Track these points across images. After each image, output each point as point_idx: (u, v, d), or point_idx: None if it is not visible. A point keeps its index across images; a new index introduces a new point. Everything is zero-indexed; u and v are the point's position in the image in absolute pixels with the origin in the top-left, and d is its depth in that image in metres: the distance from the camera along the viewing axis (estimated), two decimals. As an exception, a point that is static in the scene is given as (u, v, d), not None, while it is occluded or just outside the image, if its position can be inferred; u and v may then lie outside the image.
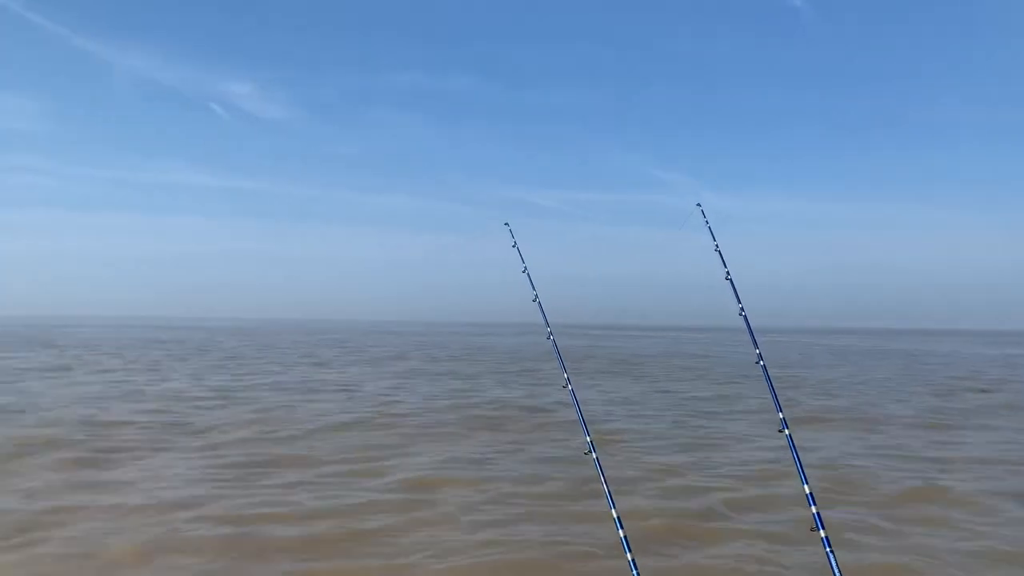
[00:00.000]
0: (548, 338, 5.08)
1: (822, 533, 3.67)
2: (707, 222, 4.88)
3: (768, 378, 4.36)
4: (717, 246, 4.76)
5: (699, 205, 5.01)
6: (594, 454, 4.59)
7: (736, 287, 4.56)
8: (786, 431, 3.97)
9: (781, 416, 4.05)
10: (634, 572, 4.02)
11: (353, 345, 50.27)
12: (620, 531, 4.17)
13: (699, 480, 9.72)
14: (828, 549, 3.62)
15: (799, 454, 4.00)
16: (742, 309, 4.52)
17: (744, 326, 4.58)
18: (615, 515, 4.23)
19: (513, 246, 5.33)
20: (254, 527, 7.34)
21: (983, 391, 22.64)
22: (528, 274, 5.22)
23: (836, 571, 3.57)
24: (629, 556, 4.05)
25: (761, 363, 4.34)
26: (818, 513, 3.71)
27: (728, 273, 4.61)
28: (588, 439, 4.64)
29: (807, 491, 3.80)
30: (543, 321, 5.15)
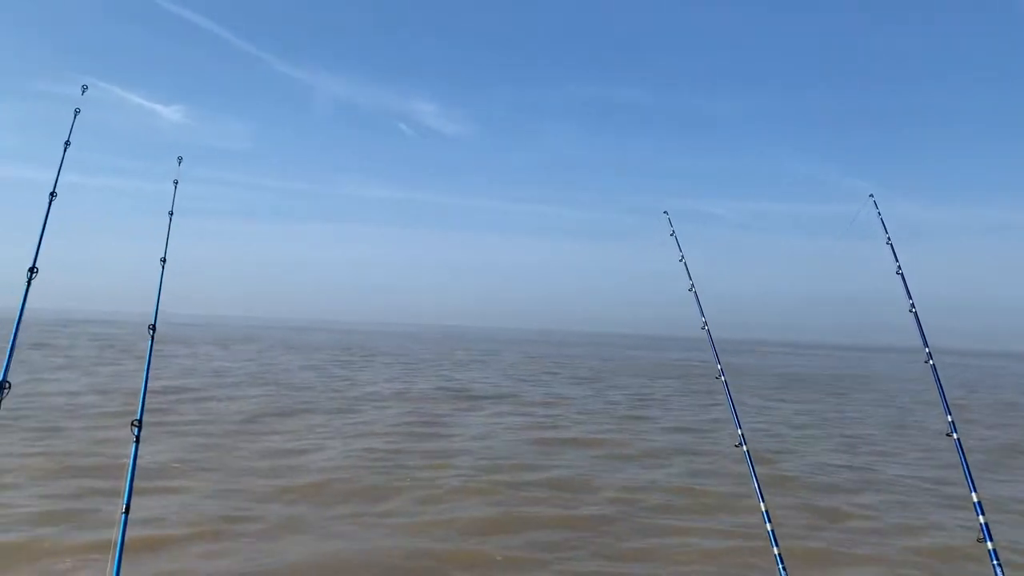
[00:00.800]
0: (719, 378, 4.96)
1: (989, 545, 3.47)
2: (888, 239, 4.58)
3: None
4: (899, 268, 4.45)
5: (877, 211, 4.77)
6: (744, 447, 4.55)
7: (919, 313, 4.27)
8: (954, 434, 3.76)
9: (950, 419, 3.84)
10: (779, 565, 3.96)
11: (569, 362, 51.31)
12: (768, 524, 4.13)
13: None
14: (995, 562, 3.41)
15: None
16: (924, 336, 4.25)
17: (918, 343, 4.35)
18: (763, 508, 4.20)
19: (680, 260, 5.29)
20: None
21: None
22: (696, 293, 5.15)
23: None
24: (775, 550, 4.01)
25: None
26: (986, 524, 3.50)
27: (912, 305, 4.33)
28: (739, 431, 4.61)
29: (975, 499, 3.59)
30: (711, 348, 5.08)
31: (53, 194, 3.42)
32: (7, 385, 2.84)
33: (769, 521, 4.14)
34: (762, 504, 4.22)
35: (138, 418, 3.38)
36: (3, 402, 2.80)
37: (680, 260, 5.26)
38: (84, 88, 4.09)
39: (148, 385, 3.52)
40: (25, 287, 3.11)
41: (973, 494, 3.63)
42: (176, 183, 4.74)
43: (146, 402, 3.47)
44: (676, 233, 5.38)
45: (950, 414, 3.91)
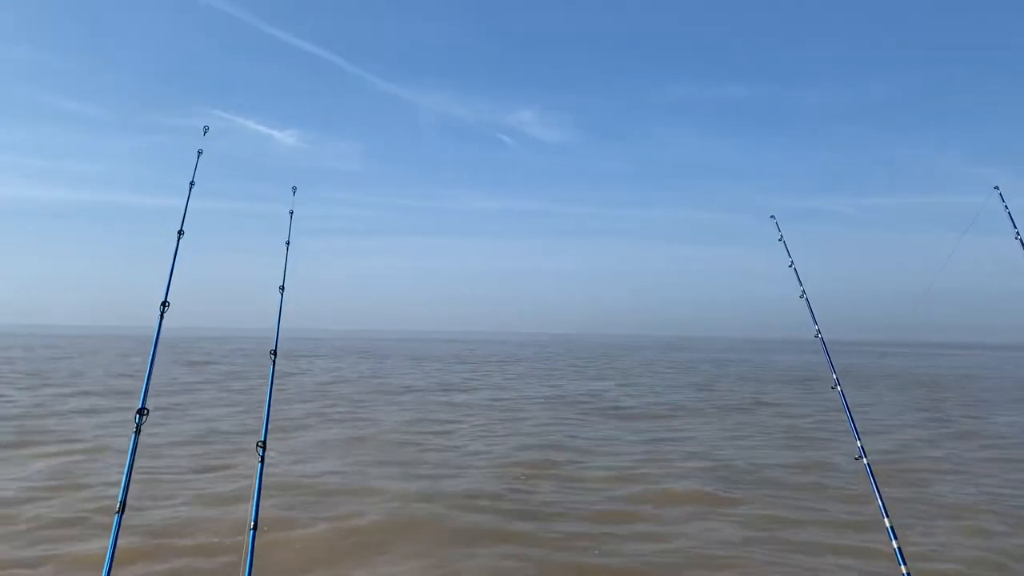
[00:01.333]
0: (835, 388, 4.79)
1: None
2: (1017, 234, 4.29)
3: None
4: None
5: (1004, 204, 4.48)
6: (865, 460, 4.35)
7: None
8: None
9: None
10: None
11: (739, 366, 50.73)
12: (894, 542, 3.93)
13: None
14: None
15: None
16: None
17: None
18: (888, 524, 4.00)
19: (790, 266, 5.14)
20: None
21: None
22: (807, 300, 4.98)
23: None
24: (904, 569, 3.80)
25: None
26: None
27: None
28: (859, 443, 4.41)
29: None
30: (826, 357, 4.90)
31: (181, 232, 3.70)
32: (146, 411, 3.09)
33: (895, 538, 3.94)
34: (886, 520, 4.02)
35: (262, 439, 3.59)
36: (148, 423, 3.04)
37: (790, 266, 5.10)
38: (206, 129, 4.39)
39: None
40: (158, 320, 3.37)
41: None
42: (292, 213, 5.00)
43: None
44: (784, 238, 5.21)
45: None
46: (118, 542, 2.73)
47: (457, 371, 33.85)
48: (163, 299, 3.36)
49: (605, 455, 11.64)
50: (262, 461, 3.52)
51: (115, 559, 2.67)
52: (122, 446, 11.68)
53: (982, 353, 79.40)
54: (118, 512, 2.74)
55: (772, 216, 5.33)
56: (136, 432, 2.95)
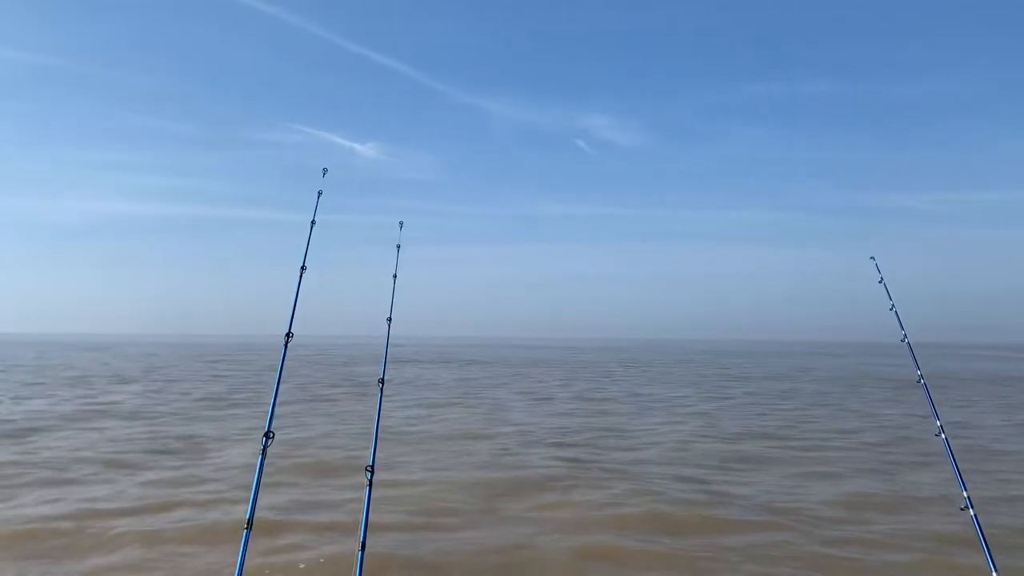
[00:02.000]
0: (919, 381, 4.77)
1: None
2: None
3: None
4: None
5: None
6: (972, 511, 4.21)
7: None
8: None
9: None
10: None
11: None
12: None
13: None
14: None
15: None
16: None
17: None
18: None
19: (880, 282, 5.12)
20: None
21: None
22: (896, 312, 4.97)
23: None
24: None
25: None
26: None
27: None
28: (965, 494, 4.28)
29: None
30: (913, 361, 4.86)
31: (303, 268, 4.01)
32: (271, 435, 3.37)
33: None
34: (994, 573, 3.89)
35: (370, 464, 3.83)
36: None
37: (891, 309, 5.03)
38: (325, 171, 4.73)
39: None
40: (283, 350, 3.67)
41: None
42: (399, 247, 5.29)
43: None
44: (882, 273, 5.15)
45: None
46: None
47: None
48: (288, 331, 3.66)
49: None
50: (370, 485, 3.75)
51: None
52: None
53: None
54: (247, 528, 3.00)
55: (872, 257, 5.27)
56: (263, 454, 3.22)
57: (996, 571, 3.92)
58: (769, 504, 9.65)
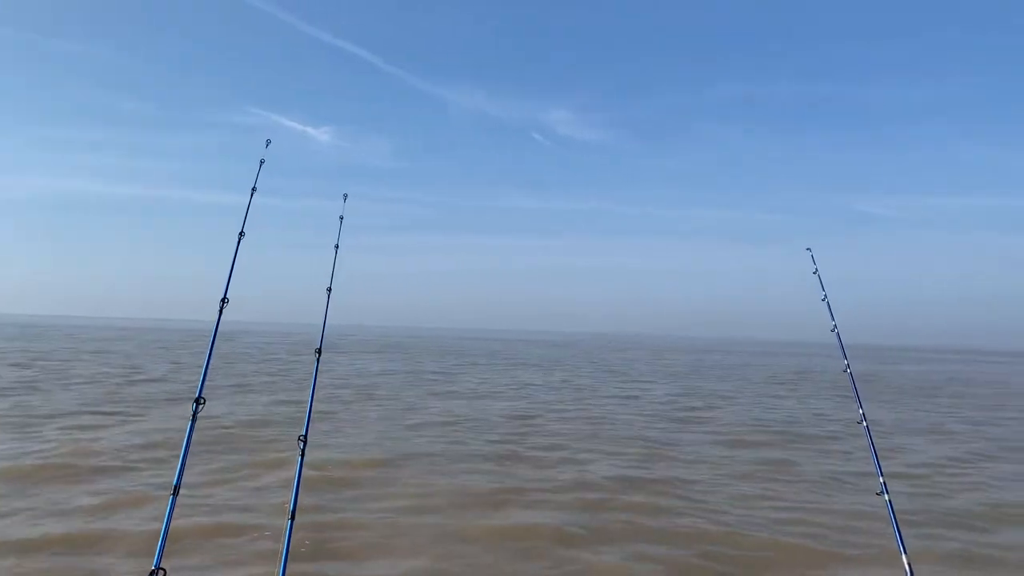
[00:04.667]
0: (846, 370, 4.93)
1: None
2: None
3: None
4: None
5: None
6: (886, 496, 4.39)
7: None
8: None
9: None
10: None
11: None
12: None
13: None
14: None
15: None
16: None
17: None
18: (905, 562, 4.04)
19: (814, 272, 5.26)
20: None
21: None
22: (828, 303, 5.13)
23: None
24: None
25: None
26: None
27: None
28: (881, 479, 4.46)
29: None
30: (841, 350, 5.02)
31: (242, 234, 3.92)
32: (202, 400, 3.30)
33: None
34: (904, 557, 4.07)
35: (303, 434, 3.80)
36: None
37: (823, 300, 5.18)
38: (268, 142, 4.62)
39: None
40: (218, 315, 3.60)
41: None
42: (342, 218, 5.22)
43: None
44: (819, 272, 5.30)
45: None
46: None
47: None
48: (223, 295, 3.58)
49: None
50: (302, 455, 3.72)
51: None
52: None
53: None
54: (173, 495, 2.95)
55: (808, 248, 5.40)
56: (192, 420, 3.16)
57: (905, 552, 4.10)
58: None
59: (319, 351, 4.32)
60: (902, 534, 4.18)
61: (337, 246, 5.03)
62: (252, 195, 4.07)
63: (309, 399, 4.17)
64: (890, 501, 4.36)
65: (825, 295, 5.22)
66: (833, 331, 5.17)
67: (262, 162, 4.24)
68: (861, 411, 4.79)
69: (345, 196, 5.46)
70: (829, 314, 5.19)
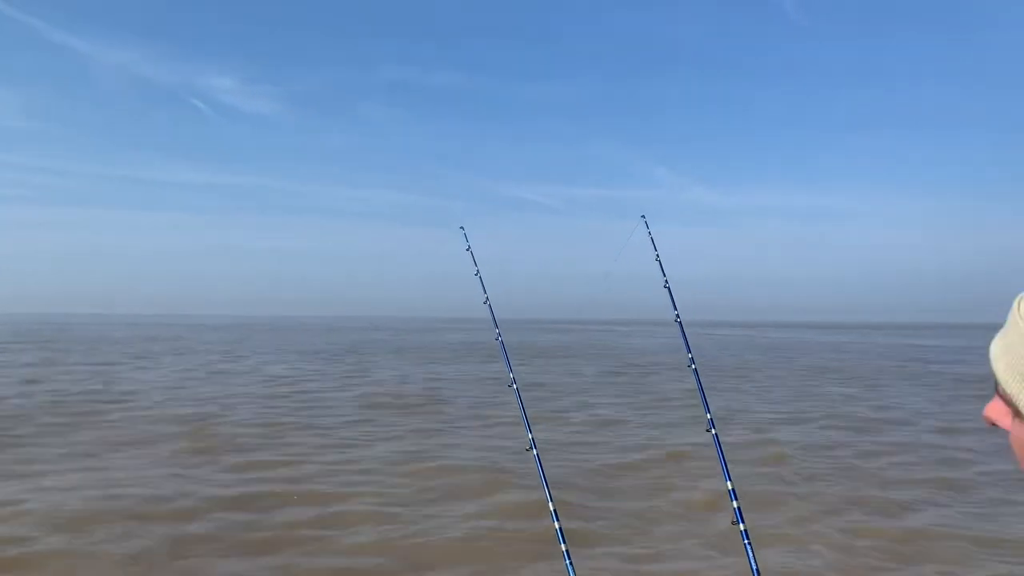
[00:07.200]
0: (497, 339, 5.25)
1: (742, 527, 3.89)
2: (657, 256, 5.07)
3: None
4: (666, 282, 4.94)
5: (643, 217, 5.21)
6: (535, 451, 4.77)
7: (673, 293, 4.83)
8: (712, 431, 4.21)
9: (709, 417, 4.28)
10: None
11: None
12: (556, 523, 4.35)
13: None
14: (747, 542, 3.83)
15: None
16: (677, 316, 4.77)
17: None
18: (552, 508, 4.41)
19: (467, 249, 5.50)
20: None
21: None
22: (480, 277, 5.40)
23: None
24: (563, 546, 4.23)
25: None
26: (738, 508, 3.93)
27: (666, 282, 4.87)
28: (530, 436, 4.82)
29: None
30: (493, 321, 5.34)
31: None
32: None
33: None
34: (551, 504, 4.44)
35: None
36: None
37: (475, 274, 5.46)
38: None
39: None
40: None
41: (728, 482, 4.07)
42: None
43: None
44: (472, 248, 5.56)
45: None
46: None
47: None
48: None
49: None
50: None
51: None
52: None
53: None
54: None
55: (461, 227, 5.63)
56: None
57: (552, 500, 4.48)
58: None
59: None
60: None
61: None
62: None
63: None
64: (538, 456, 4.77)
65: (478, 270, 5.50)
66: (485, 304, 5.46)
67: None
68: (511, 375, 5.14)
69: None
70: (481, 288, 5.47)
